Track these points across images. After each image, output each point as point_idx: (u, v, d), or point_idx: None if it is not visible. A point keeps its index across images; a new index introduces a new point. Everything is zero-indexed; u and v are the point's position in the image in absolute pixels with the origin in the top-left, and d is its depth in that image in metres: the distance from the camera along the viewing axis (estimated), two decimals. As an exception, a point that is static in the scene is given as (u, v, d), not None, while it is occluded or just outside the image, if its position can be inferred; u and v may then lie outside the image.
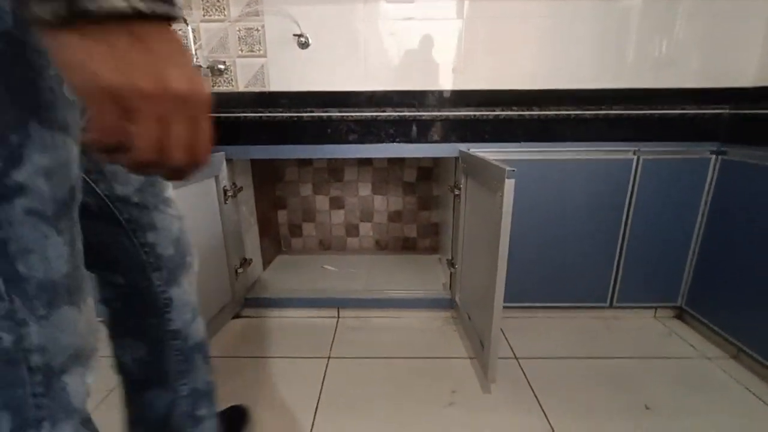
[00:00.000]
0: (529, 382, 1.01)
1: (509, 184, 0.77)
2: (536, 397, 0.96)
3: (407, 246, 1.80)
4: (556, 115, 1.09)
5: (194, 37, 1.51)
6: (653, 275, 1.23)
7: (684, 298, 1.24)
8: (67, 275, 0.36)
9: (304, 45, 1.53)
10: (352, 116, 1.17)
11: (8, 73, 0.31)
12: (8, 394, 0.34)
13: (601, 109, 1.08)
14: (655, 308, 1.30)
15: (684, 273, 1.21)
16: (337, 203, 1.76)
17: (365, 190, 1.74)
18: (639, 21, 1.50)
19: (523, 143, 1.12)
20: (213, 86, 1.59)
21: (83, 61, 0.24)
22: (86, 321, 0.39)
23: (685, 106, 1.10)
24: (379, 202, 1.75)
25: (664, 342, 1.17)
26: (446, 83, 1.55)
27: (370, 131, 1.18)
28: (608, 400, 0.94)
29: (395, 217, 1.76)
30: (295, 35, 1.52)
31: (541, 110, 1.08)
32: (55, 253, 0.35)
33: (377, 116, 1.16)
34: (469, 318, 1.12)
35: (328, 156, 1.23)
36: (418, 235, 1.79)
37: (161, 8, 0.25)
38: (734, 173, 1.05)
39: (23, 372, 0.34)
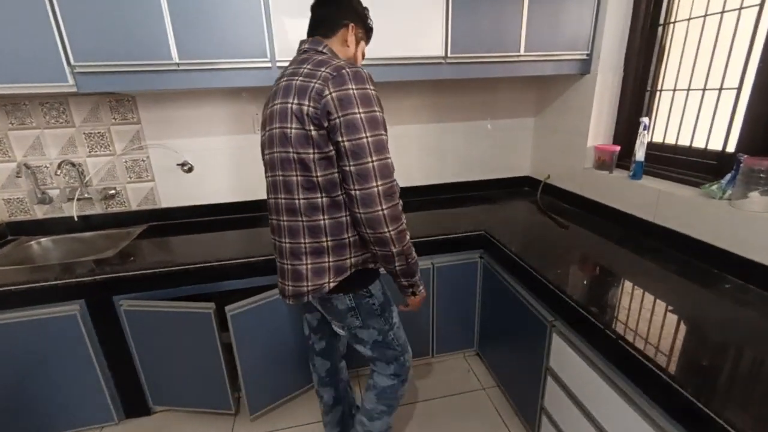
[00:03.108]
0: (369, 431, 1.52)
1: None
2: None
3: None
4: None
5: (81, 171, 1.72)
6: (458, 332, 1.82)
7: (477, 345, 1.86)
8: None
9: (189, 170, 1.83)
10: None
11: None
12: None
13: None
14: (464, 352, 1.92)
15: (474, 329, 1.83)
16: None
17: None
18: (453, 137, 2.07)
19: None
20: (106, 208, 1.81)
21: (416, 303, 1.11)
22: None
23: (466, 230, 1.65)
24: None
25: (463, 378, 1.78)
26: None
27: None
28: (416, 435, 1.50)
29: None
30: (178, 164, 1.80)
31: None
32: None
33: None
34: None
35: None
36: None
37: (419, 291, 1.09)
38: (489, 269, 1.65)
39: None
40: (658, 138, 1.57)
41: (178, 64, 1.35)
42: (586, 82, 1.72)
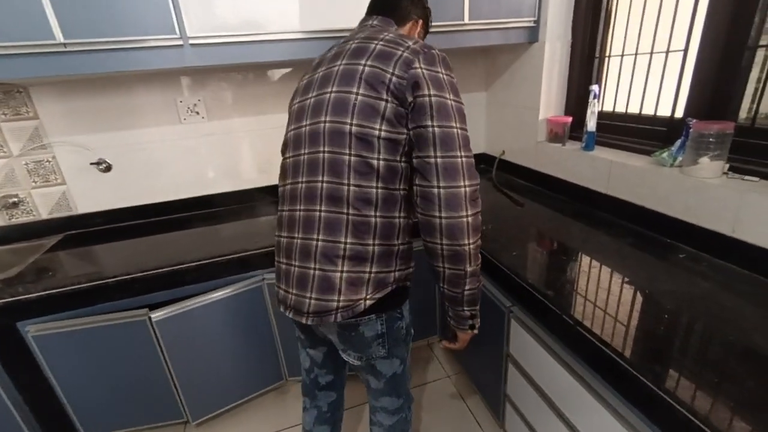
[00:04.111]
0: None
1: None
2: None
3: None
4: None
5: (-28, 178, 1.47)
6: (421, 319, 1.74)
7: (440, 330, 1.80)
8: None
9: (106, 169, 1.61)
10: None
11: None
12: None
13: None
14: (427, 339, 1.86)
15: (437, 314, 1.76)
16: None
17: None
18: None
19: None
20: (10, 219, 1.57)
21: (467, 339, 0.93)
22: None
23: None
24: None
25: (428, 367, 1.72)
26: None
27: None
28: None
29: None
30: (92, 163, 1.58)
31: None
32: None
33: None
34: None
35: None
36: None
37: (477, 325, 0.89)
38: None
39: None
40: (608, 106, 1.52)
41: (64, 45, 1.13)
42: (535, 52, 1.63)
